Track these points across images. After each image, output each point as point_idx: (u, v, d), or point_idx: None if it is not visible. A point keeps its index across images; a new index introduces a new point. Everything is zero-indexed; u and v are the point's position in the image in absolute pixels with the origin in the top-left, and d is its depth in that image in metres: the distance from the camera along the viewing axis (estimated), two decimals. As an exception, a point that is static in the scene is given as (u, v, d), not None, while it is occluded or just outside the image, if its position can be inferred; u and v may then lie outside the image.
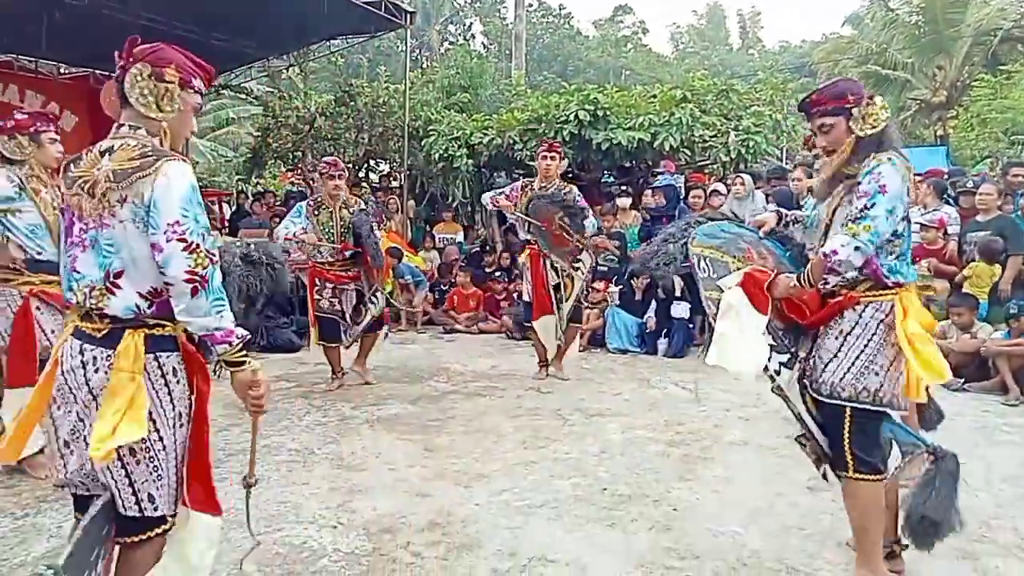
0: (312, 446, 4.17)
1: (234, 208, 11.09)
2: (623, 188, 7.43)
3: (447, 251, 9.38)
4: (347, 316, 5.38)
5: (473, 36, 34.43)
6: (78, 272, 1.83)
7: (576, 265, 5.40)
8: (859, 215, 2.29)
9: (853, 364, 2.39)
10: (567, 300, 5.44)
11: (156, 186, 1.74)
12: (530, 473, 3.73)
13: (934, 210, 6.46)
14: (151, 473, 1.81)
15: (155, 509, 1.83)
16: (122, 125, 1.87)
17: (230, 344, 1.80)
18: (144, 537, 1.85)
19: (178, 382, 1.85)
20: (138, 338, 1.79)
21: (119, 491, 1.80)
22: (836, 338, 2.43)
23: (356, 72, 12.85)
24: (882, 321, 2.38)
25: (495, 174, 10.06)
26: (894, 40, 16.67)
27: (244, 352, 1.84)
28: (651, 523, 3.13)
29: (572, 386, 5.62)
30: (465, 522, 3.12)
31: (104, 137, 1.90)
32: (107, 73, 10.54)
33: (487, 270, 8.74)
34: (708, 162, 8.15)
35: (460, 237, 9.63)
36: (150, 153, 1.80)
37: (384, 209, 9.69)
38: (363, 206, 5.47)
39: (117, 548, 1.89)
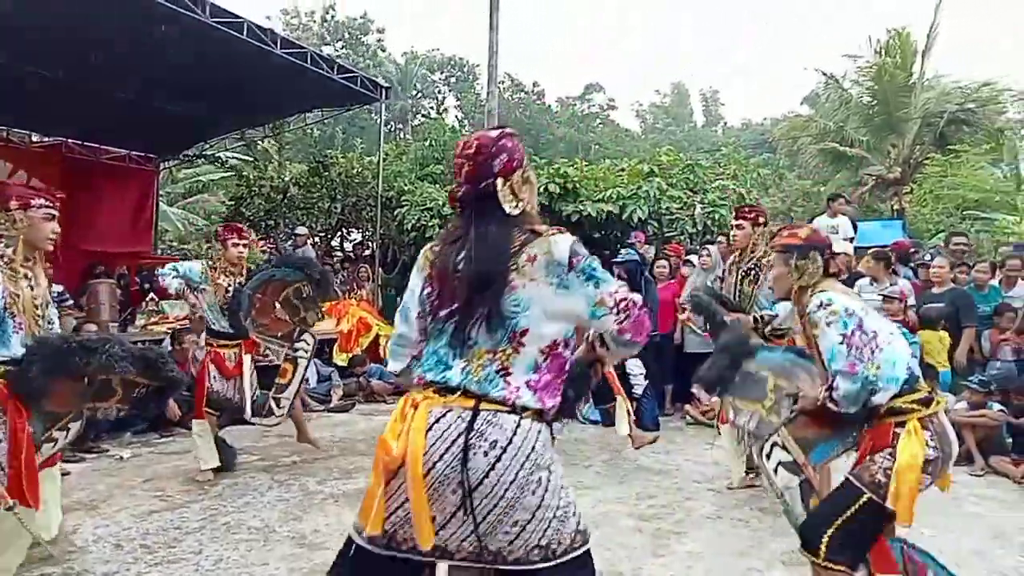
0: (273, 524, 4.03)
1: (203, 276, 10.97)
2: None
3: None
4: None
5: (446, 110, 35.35)
6: None
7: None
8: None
9: None
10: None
11: None
12: (500, 550, 3.62)
13: (892, 284, 6.64)
14: None
15: None
16: None
17: None
18: None
19: None
20: None
21: None
22: None
23: (331, 143, 13.03)
24: None
25: (467, 244, 10.16)
26: (849, 119, 17.45)
27: None
28: (624, 602, 3.05)
29: (543, 458, 5.54)
30: (432, 603, 3.01)
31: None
32: (80, 142, 10.61)
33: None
34: (675, 234, 8.32)
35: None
36: None
37: (356, 277, 9.70)
38: None
39: None
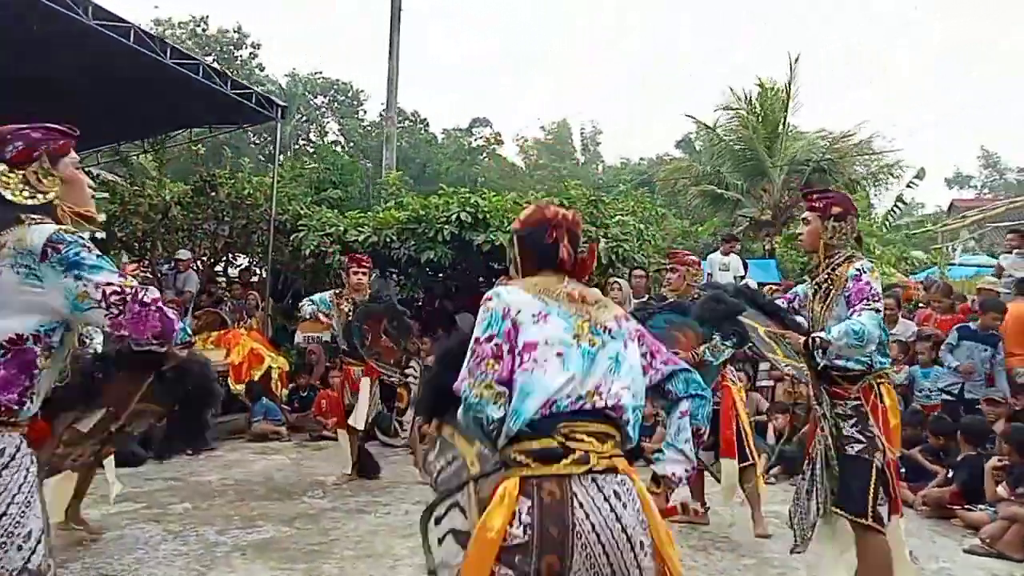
0: (175, 583, 3.55)
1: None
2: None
3: (311, 351, 8.85)
4: None
5: (327, 134, 34.53)
6: None
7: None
8: None
9: None
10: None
11: None
12: (439, 603, 3.36)
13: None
14: None
15: None
16: None
17: None
18: None
19: None
20: None
21: None
22: None
23: (214, 161, 12.21)
24: None
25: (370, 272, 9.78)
26: (724, 164, 18.59)
27: None
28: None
29: (462, 498, 5.29)
30: (377, 669, 2.71)
31: None
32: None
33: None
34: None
35: (328, 337, 9.13)
36: None
37: (244, 305, 9.07)
38: None
39: None
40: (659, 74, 69.83)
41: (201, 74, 8.12)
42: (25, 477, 1.72)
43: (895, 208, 18.21)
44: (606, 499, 1.72)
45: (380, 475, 5.78)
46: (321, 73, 35.88)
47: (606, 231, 8.72)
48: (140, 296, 1.73)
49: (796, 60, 16.90)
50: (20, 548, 1.68)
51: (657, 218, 18.57)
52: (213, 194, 9.42)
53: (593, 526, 1.69)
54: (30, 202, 1.81)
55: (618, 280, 7.22)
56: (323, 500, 5.21)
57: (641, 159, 41.98)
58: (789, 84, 17.22)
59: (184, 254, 9.10)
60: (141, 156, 10.79)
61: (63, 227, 1.77)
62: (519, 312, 1.87)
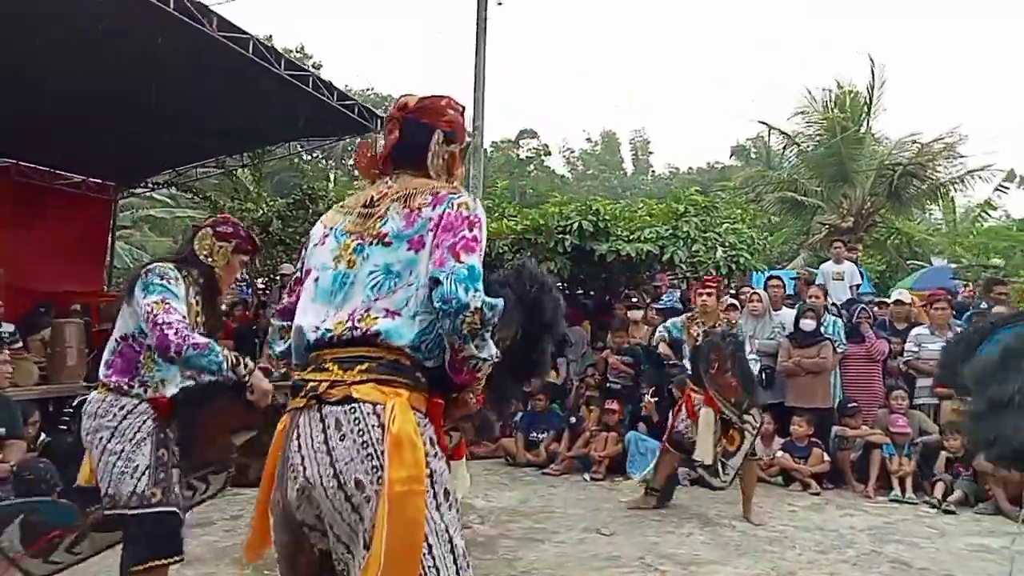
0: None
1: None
2: (634, 301, 7.10)
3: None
4: None
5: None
6: None
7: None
8: None
9: None
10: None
11: None
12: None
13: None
14: None
15: None
16: None
17: None
18: None
19: None
20: None
21: None
22: None
23: (321, 173, 12.19)
24: None
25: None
26: (801, 171, 18.08)
27: None
28: None
29: (630, 526, 4.96)
30: None
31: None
32: (31, 164, 9.37)
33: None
34: (700, 276, 8.07)
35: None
36: None
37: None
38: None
39: None
40: (695, 84, 69.27)
41: (311, 86, 8.00)
42: (140, 428, 2.38)
43: (984, 213, 17.50)
44: (324, 430, 1.52)
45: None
46: (373, 89, 36.16)
47: (720, 238, 8.38)
48: (156, 315, 2.25)
49: (881, 67, 16.42)
50: (131, 476, 2.32)
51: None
52: (313, 207, 9.32)
53: (303, 459, 1.54)
54: (201, 259, 2.59)
55: (758, 291, 6.87)
56: (483, 525, 4.93)
57: (690, 168, 41.49)
58: (870, 88, 16.73)
59: (287, 268, 8.97)
60: (241, 171, 10.75)
61: (165, 263, 2.49)
62: (312, 236, 1.80)
